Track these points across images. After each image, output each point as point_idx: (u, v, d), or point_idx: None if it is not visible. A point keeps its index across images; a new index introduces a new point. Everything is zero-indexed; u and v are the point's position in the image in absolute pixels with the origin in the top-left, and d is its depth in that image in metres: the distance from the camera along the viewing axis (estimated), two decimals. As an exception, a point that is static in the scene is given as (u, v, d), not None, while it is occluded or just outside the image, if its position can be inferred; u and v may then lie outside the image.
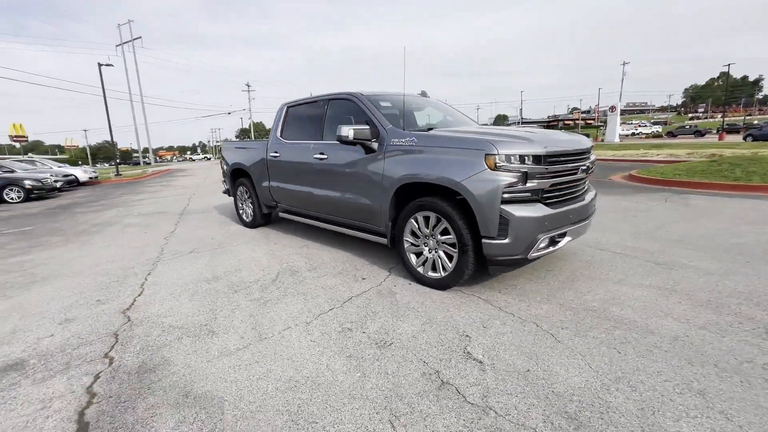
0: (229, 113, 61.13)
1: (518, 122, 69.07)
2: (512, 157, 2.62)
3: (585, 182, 3.25)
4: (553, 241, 2.82)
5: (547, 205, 2.75)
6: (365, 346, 2.31)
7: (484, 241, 2.70)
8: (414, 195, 3.17)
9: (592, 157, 3.24)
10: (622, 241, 4.16)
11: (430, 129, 3.52)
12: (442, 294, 3.01)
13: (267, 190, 5.10)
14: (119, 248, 5.04)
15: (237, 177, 5.83)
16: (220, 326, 2.67)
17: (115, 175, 22.21)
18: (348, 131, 3.32)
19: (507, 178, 2.60)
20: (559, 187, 2.84)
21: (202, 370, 2.15)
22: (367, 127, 3.38)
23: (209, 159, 74.92)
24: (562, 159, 2.80)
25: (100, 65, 20.96)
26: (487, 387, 1.87)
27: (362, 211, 3.65)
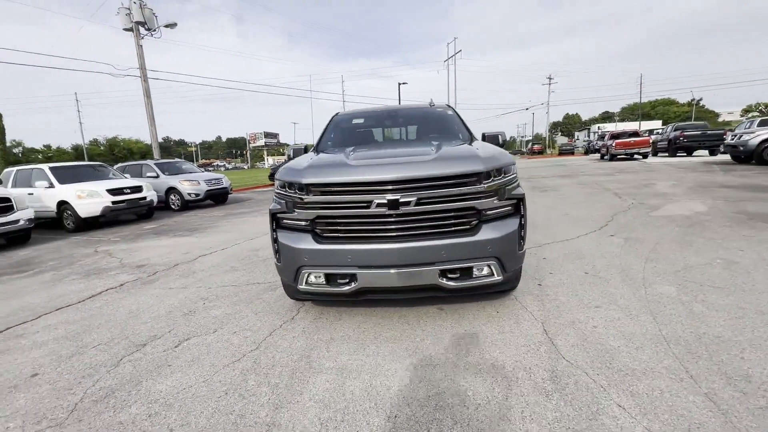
0: (527, 109, 64.20)
1: None
2: (284, 185, 2.66)
3: (411, 221, 2.43)
4: (333, 281, 2.56)
5: (318, 239, 2.54)
6: (179, 315, 3.20)
7: (275, 259, 2.87)
8: None
9: (436, 191, 2.36)
10: (628, 342, 2.48)
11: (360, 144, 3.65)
12: (287, 302, 3.31)
13: None
14: (261, 225, 7.65)
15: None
16: (182, 276, 4.27)
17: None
18: (290, 150, 4.03)
19: (279, 204, 2.69)
20: (337, 221, 2.50)
21: (139, 288, 3.87)
22: (303, 146, 3.97)
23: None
24: (335, 190, 2.45)
25: (399, 84, 27.89)
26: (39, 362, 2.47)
27: None
